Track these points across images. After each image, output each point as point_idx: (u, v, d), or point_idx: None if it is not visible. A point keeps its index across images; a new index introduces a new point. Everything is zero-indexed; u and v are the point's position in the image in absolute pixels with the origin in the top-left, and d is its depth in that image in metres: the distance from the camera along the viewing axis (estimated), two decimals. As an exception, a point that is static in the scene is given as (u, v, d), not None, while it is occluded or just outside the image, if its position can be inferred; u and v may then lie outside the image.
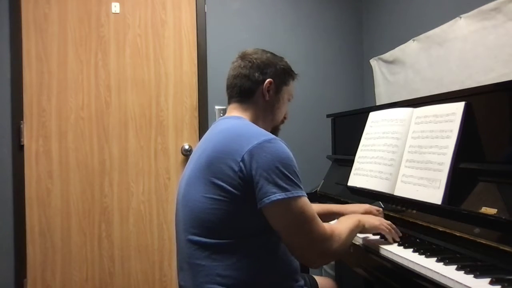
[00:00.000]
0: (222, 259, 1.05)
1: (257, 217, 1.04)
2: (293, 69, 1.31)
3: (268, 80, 1.22)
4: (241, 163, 1.02)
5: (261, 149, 1.03)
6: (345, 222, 1.19)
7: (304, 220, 1.02)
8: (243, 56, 1.26)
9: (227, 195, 1.03)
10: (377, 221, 1.28)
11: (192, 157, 1.21)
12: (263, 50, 1.28)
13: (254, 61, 1.23)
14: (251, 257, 1.06)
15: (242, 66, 1.24)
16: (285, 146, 1.07)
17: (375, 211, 1.44)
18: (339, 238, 1.08)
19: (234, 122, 1.18)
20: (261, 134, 1.08)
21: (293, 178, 1.03)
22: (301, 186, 1.05)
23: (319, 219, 1.06)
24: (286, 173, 1.02)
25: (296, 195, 1.02)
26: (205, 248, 1.06)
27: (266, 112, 1.25)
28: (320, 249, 1.05)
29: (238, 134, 1.09)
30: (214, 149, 1.09)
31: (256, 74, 1.22)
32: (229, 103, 1.28)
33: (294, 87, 1.33)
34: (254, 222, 1.05)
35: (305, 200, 1.04)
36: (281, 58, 1.30)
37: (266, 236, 1.07)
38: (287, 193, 1.00)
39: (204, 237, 1.06)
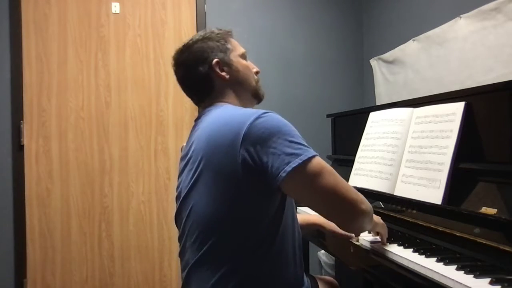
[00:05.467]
0: (226, 271, 0.99)
1: (261, 222, 1.00)
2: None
3: (214, 61, 1.15)
4: (241, 152, 0.95)
5: (256, 128, 0.96)
6: None
7: (326, 176, 0.94)
8: (177, 65, 1.20)
9: (230, 196, 0.99)
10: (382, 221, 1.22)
11: (187, 157, 1.12)
12: (184, 45, 1.20)
13: (188, 61, 1.17)
14: (254, 268, 1.02)
15: (183, 73, 1.19)
16: (279, 116, 1.00)
17: None
18: (365, 200, 0.99)
19: (218, 111, 1.10)
20: (250, 113, 1.00)
21: (300, 142, 0.97)
22: (310, 147, 0.98)
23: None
24: (291, 139, 0.96)
25: (310, 155, 0.95)
26: (207, 257, 1.02)
27: (236, 87, 1.18)
28: (355, 203, 0.96)
29: (226, 123, 1.01)
30: (208, 146, 1.02)
31: (200, 69, 1.15)
32: (202, 106, 1.20)
33: (237, 41, 1.25)
34: (257, 229, 1.01)
35: (319, 158, 0.97)
36: (205, 34, 1.21)
37: (269, 245, 1.03)
38: (300, 157, 0.93)
39: (206, 246, 1.01)
